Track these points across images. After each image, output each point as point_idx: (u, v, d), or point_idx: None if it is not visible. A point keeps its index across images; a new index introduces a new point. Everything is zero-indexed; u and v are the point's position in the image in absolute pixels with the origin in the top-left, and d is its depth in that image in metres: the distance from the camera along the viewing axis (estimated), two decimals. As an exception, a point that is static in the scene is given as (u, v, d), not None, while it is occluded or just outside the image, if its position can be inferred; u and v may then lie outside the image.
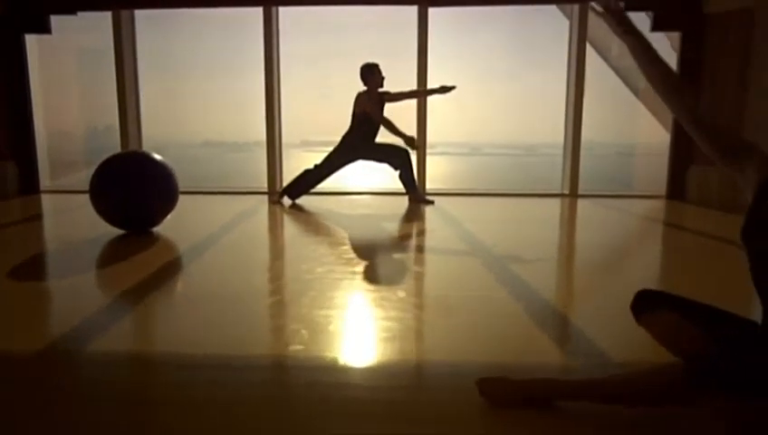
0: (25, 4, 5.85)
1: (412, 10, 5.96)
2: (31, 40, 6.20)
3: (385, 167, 5.45)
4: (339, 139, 5.37)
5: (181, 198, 4.02)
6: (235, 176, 12.35)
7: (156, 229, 3.96)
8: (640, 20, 5.76)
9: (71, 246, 3.71)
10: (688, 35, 5.57)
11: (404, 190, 5.53)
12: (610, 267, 3.33)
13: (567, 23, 6.26)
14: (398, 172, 5.42)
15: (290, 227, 4.59)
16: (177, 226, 4.09)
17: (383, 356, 1.86)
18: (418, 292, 2.63)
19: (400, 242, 3.89)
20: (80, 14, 6.02)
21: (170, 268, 3.09)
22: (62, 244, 3.86)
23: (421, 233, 4.31)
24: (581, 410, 1.42)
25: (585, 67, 6.01)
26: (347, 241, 3.88)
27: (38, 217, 5.04)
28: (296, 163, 5.46)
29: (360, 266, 3.12)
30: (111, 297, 2.62)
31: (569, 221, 5.15)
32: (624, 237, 4.37)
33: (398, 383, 1.65)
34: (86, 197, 3.82)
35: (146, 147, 6.30)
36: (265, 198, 5.78)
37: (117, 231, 3.84)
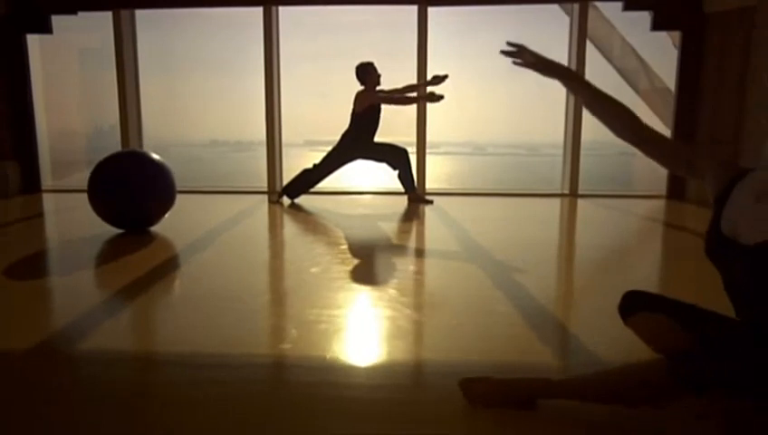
0: (26, 4, 5.88)
1: (412, 10, 5.96)
2: (33, 40, 6.24)
3: (385, 166, 5.45)
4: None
5: (181, 197, 4.04)
6: (238, 175, 12.38)
7: (155, 228, 3.97)
8: (641, 19, 5.76)
9: (69, 245, 3.73)
10: (688, 35, 5.56)
11: (403, 190, 5.54)
12: (609, 268, 3.32)
13: (568, 22, 6.24)
14: (396, 172, 5.43)
15: (287, 227, 4.59)
16: (175, 225, 4.10)
17: (381, 356, 1.87)
18: (414, 292, 2.63)
19: (397, 242, 3.89)
20: (80, 13, 6.04)
21: (168, 267, 3.10)
22: (61, 242, 3.88)
23: (418, 233, 4.31)
24: (567, 410, 1.42)
25: (585, 64, 5.99)
26: (344, 241, 3.89)
27: (38, 215, 5.06)
28: (300, 163, 5.45)
29: (356, 266, 3.12)
30: (108, 296, 2.63)
31: (568, 221, 5.15)
32: (623, 238, 4.36)
33: (396, 383, 1.66)
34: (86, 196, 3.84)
35: (152, 146, 6.32)
36: (265, 197, 5.79)
37: (115, 230, 3.86)
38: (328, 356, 1.85)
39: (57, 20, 6.05)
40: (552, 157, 8.31)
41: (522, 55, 1.54)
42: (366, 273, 2.99)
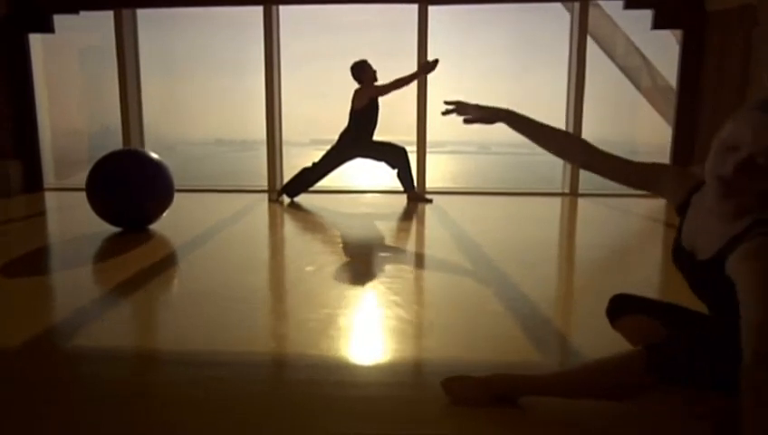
0: (28, 4, 5.91)
1: (412, 8, 5.96)
2: (36, 39, 6.28)
3: (384, 165, 5.45)
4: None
5: (181, 195, 4.05)
6: (241, 174, 12.40)
7: (154, 227, 4.00)
8: (645, 17, 5.74)
9: (68, 243, 3.75)
10: (690, 33, 5.53)
11: (402, 189, 5.54)
12: (609, 268, 3.31)
13: (569, 19, 6.22)
14: (395, 171, 5.43)
15: (285, 226, 4.60)
16: (175, 223, 4.12)
17: (380, 354, 1.87)
18: (412, 291, 2.63)
19: (395, 241, 3.90)
20: (82, 13, 6.07)
21: (166, 265, 3.11)
22: (61, 240, 3.90)
23: (416, 232, 4.31)
24: (570, 411, 1.43)
25: (586, 61, 5.97)
26: (342, 240, 3.90)
27: (40, 214, 5.09)
28: (306, 162, 5.45)
29: (354, 266, 3.14)
30: (107, 294, 2.63)
31: (566, 221, 5.13)
32: (623, 238, 4.35)
33: (397, 381, 1.66)
34: (87, 195, 3.86)
35: (157, 145, 6.35)
36: (265, 196, 5.80)
37: (114, 228, 3.88)
38: (326, 355, 1.85)
39: (59, 19, 6.08)
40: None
41: (463, 110, 1.58)
42: (363, 272, 2.99)
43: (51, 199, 5.82)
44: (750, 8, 5.01)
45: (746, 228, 1.20)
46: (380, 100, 5.32)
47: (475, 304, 2.40)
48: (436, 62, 5.05)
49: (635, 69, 7.71)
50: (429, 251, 3.59)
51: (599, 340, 1.89)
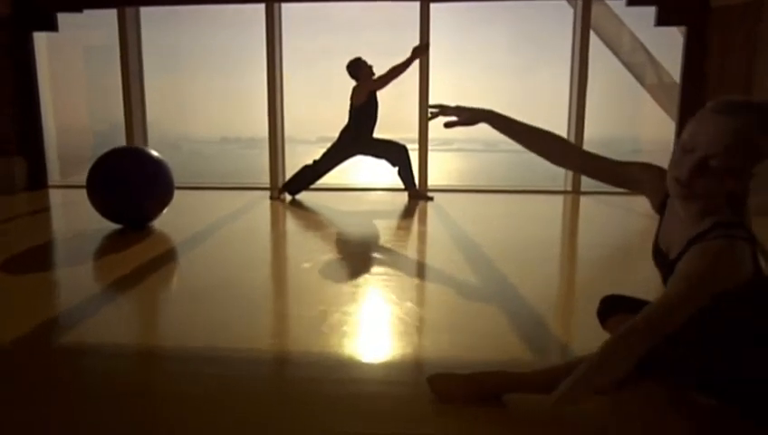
0: (31, 2, 5.95)
1: (414, 6, 5.95)
2: (40, 38, 6.32)
3: (384, 163, 5.45)
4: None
5: (183, 193, 4.07)
6: (246, 172, 12.44)
7: (155, 224, 4.03)
8: (643, 15, 5.70)
9: (70, 240, 3.78)
10: (693, 29, 5.49)
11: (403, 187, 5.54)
12: (611, 267, 3.29)
13: (572, 16, 6.18)
14: (396, 169, 5.43)
15: (285, 223, 4.62)
16: (175, 220, 4.15)
17: (380, 352, 1.87)
18: (409, 289, 2.63)
19: (394, 239, 3.89)
20: (86, 11, 6.10)
21: (166, 262, 3.14)
22: (62, 237, 3.93)
23: (416, 230, 4.31)
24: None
25: (588, 58, 5.93)
26: (341, 237, 3.91)
27: (43, 210, 5.13)
28: (312, 159, 5.46)
29: (352, 263, 3.14)
30: (107, 291, 2.65)
31: (569, 219, 5.11)
32: (625, 237, 4.32)
33: (399, 379, 1.66)
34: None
35: (163, 143, 6.38)
36: (267, 193, 5.82)
37: (115, 225, 3.92)
38: (325, 352, 1.86)
39: (63, 17, 6.12)
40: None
41: (445, 112, 1.59)
42: (362, 270, 2.99)
43: (54, 196, 5.87)
44: (754, 4, 4.96)
45: (705, 230, 1.22)
46: (380, 96, 5.32)
47: (473, 304, 2.39)
48: (427, 45, 5.07)
49: (639, 65, 7.66)
50: (428, 249, 3.59)
51: (598, 340, 1.88)
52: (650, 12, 5.68)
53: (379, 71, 5.25)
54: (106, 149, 3.95)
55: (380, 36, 5.16)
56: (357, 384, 1.62)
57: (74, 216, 4.86)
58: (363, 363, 1.79)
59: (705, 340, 1.30)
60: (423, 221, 4.59)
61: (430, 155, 6.15)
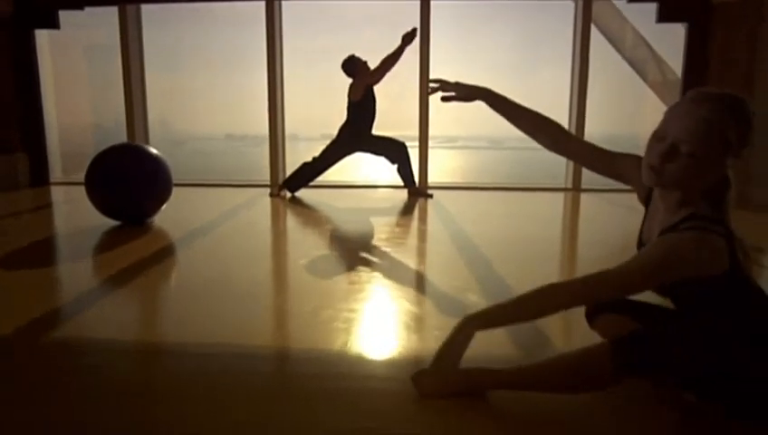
0: (34, 0, 5.97)
1: (415, 5, 5.94)
2: (43, 36, 6.35)
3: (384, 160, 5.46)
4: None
5: (185, 190, 4.08)
6: (248, 169, 12.47)
7: (155, 220, 4.05)
8: (645, 11, 5.67)
9: (70, 236, 3.82)
10: (695, 26, 5.45)
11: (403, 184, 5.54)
12: (607, 265, 3.27)
13: (573, 14, 6.16)
14: (395, 166, 5.43)
15: (284, 220, 4.63)
16: (175, 217, 4.17)
17: (380, 349, 1.87)
18: (407, 287, 2.63)
19: (392, 236, 3.90)
20: (87, 9, 6.12)
21: (165, 259, 3.15)
22: (63, 233, 3.95)
23: (414, 227, 4.31)
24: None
25: (589, 54, 5.91)
26: (338, 235, 3.92)
27: (45, 207, 5.16)
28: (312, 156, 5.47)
29: (349, 260, 3.15)
30: (107, 287, 2.66)
31: (569, 217, 5.10)
32: (625, 235, 4.29)
33: (399, 376, 1.65)
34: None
35: (168, 141, 6.40)
36: (267, 190, 5.83)
37: (113, 221, 3.94)
38: (324, 348, 1.86)
39: (65, 16, 6.15)
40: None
41: (445, 87, 1.62)
42: (359, 266, 2.99)
43: (56, 193, 5.90)
44: (756, 1, 4.93)
45: (678, 221, 1.23)
46: (381, 95, 5.33)
47: (470, 303, 2.39)
48: (414, 31, 5.04)
49: (642, 62, 7.61)
50: (428, 247, 3.58)
51: (591, 340, 1.88)
52: (652, 8, 5.65)
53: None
54: (106, 147, 3.97)
55: (382, 35, 5.12)
56: (358, 381, 1.62)
57: (76, 212, 4.89)
58: (363, 360, 1.79)
59: (688, 337, 1.30)
60: (422, 219, 4.59)
61: (435, 152, 6.16)
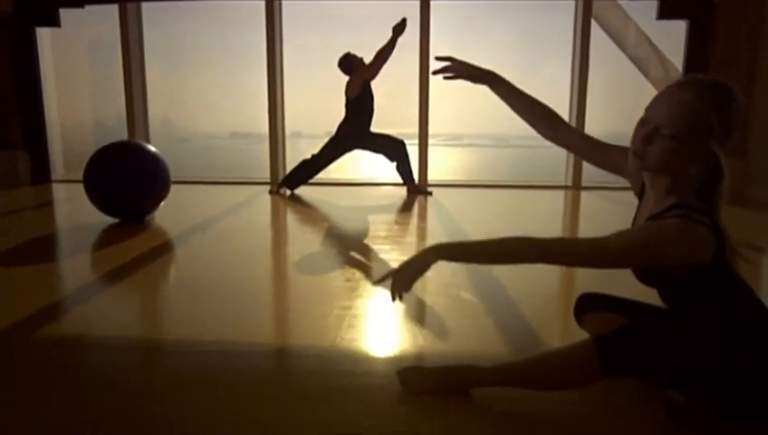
0: (34, -2, 6.00)
1: (415, 5, 5.93)
2: (45, 34, 6.37)
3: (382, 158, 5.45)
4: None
5: (184, 187, 4.09)
6: (250, 167, 12.50)
7: (155, 217, 4.07)
8: (646, 8, 5.64)
9: (69, 233, 3.83)
10: (695, 24, 5.42)
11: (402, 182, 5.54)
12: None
13: (573, 12, 6.13)
14: (394, 164, 5.42)
15: (282, 218, 4.63)
16: (174, 214, 4.19)
17: (380, 346, 1.88)
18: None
19: (390, 235, 3.90)
20: (89, 7, 6.14)
21: (165, 256, 3.17)
22: (63, 230, 3.97)
23: (412, 225, 4.30)
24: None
25: (589, 51, 5.89)
26: (336, 232, 3.92)
27: (45, 204, 5.18)
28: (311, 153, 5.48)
29: (347, 258, 3.15)
30: (106, 286, 2.65)
31: (568, 215, 5.08)
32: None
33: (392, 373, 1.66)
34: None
35: (174, 138, 6.43)
36: (267, 188, 5.84)
37: (111, 219, 3.96)
38: (326, 346, 1.86)
39: (66, 13, 6.17)
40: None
41: (453, 67, 1.62)
42: (358, 264, 3.00)
43: (57, 191, 5.92)
44: (756, 2, 4.90)
45: (665, 209, 1.24)
46: (381, 95, 5.32)
47: (468, 301, 2.38)
48: (404, 20, 5.01)
49: (646, 59, 7.58)
50: (424, 243, 3.58)
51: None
52: (653, 5, 5.62)
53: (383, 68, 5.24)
54: (103, 144, 3.99)
55: (383, 34, 5.11)
56: (359, 378, 1.62)
57: (76, 210, 4.90)
58: (363, 357, 1.79)
59: (672, 335, 1.30)
60: (422, 216, 4.59)
61: (439, 150, 6.16)
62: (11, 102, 6.11)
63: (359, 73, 5.17)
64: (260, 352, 1.83)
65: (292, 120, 6.55)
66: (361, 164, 7.81)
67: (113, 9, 6.24)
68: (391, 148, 5.35)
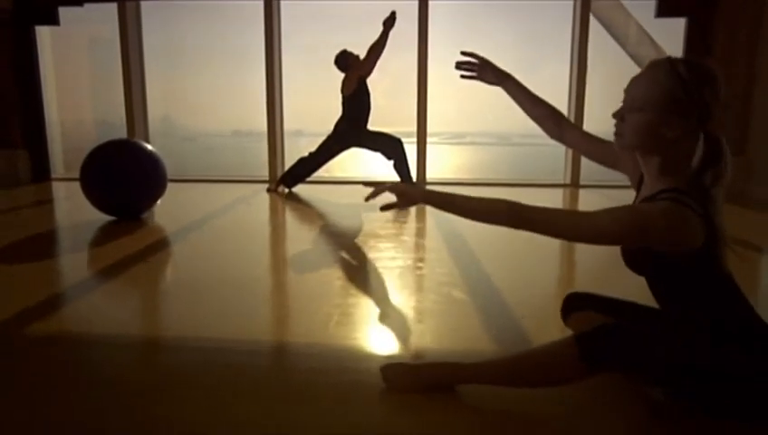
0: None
1: (415, 5, 5.92)
2: (44, 32, 6.38)
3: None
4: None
5: (182, 185, 4.09)
6: (251, 164, 12.51)
7: (152, 215, 4.08)
8: (646, 6, 5.62)
9: (68, 230, 3.85)
10: (694, 22, 5.40)
11: (399, 180, 5.52)
12: (610, 265, 3.24)
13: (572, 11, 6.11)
14: (391, 162, 5.42)
15: (280, 215, 4.63)
16: (171, 212, 4.20)
17: (380, 344, 1.88)
18: (402, 284, 2.63)
19: (387, 233, 3.89)
20: (87, 5, 6.14)
21: (163, 253, 3.18)
22: (61, 228, 3.98)
23: (408, 224, 4.30)
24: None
25: (587, 49, 5.88)
26: (332, 231, 3.92)
27: (44, 202, 5.19)
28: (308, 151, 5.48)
29: (344, 256, 3.16)
30: (105, 284, 2.66)
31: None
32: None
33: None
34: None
35: (176, 136, 6.44)
36: (265, 185, 5.84)
37: (108, 217, 3.97)
38: (326, 343, 1.86)
39: (65, 12, 6.18)
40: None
41: (474, 64, 1.70)
42: (355, 262, 3.00)
43: (57, 189, 5.93)
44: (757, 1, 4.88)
45: (656, 193, 1.25)
46: (381, 94, 5.31)
47: (466, 301, 2.38)
48: (393, 14, 4.98)
49: (646, 57, 7.55)
50: (426, 243, 3.58)
51: None
52: (652, 3, 5.60)
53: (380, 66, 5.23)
54: (100, 143, 3.99)
55: (373, 34, 5.11)
56: (360, 375, 1.61)
57: (76, 208, 4.90)
58: (362, 355, 1.79)
59: (654, 332, 1.30)
60: (420, 216, 4.58)
61: (441, 149, 6.17)
62: (11, 101, 6.13)
63: (354, 69, 5.17)
64: (258, 349, 1.83)
65: (293, 119, 6.56)
66: (359, 162, 7.80)
67: (113, 7, 6.25)
68: (389, 146, 5.34)
